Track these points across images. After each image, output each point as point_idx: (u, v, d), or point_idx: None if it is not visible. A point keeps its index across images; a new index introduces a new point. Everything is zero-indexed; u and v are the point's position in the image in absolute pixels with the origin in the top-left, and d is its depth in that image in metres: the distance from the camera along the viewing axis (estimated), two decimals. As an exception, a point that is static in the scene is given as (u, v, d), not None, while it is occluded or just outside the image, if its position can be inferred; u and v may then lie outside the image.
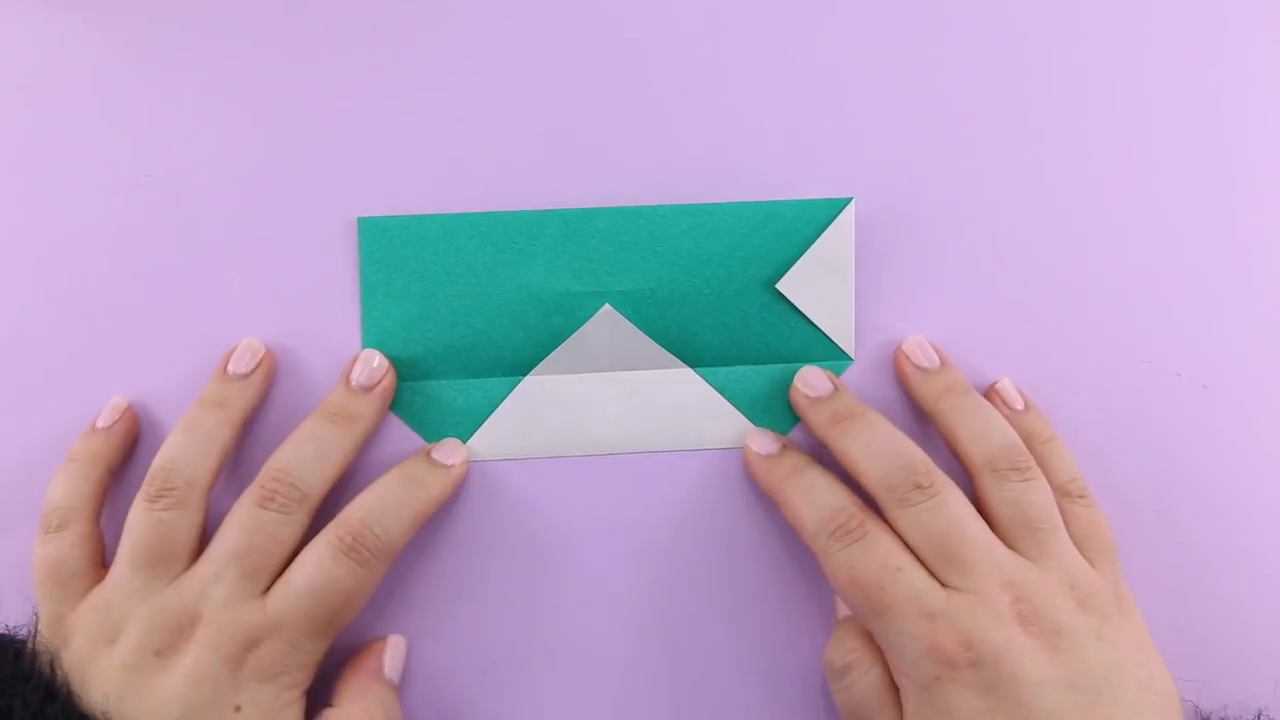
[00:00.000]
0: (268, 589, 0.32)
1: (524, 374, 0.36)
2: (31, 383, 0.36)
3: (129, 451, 0.36)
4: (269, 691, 0.32)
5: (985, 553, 0.31)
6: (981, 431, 0.34)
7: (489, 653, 0.36)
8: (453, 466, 0.35)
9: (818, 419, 0.35)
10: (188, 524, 0.33)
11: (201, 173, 0.36)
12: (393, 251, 0.36)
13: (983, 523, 0.32)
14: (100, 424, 0.35)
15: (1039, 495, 0.33)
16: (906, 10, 0.37)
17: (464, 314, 0.36)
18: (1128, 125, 0.37)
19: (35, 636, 0.32)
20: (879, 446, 0.33)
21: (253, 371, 0.35)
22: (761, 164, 0.37)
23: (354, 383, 0.35)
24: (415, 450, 0.36)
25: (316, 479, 0.34)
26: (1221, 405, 0.37)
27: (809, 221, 0.36)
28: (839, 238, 0.36)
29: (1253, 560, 0.37)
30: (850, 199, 0.36)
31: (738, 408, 0.36)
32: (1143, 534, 0.36)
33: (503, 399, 0.36)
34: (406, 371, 0.36)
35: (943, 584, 0.31)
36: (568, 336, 0.36)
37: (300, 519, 0.33)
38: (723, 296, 0.36)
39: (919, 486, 0.32)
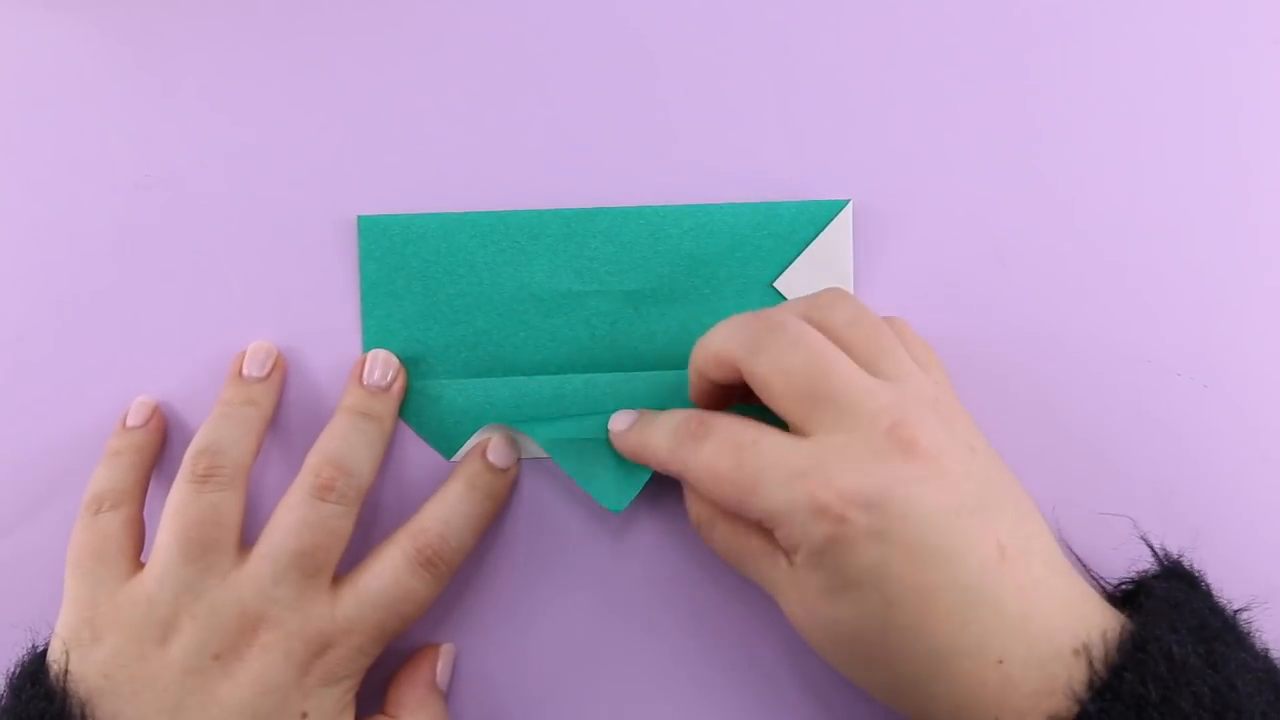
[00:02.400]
0: (330, 585, 0.32)
1: (525, 374, 0.36)
2: (30, 383, 0.36)
3: (162, 450, 0.35)
4: (333, 695, 0.31)
5: (854, 380, 0.29)
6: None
7: (486, 652, 0.36)
8: (509, 469, 0.35)
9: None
10: (237, 508, 0.32)
11: (201, 173, 0.36)
12: (393, 251, 0.36)
13: (841, 351, 0.30)
14: (132, 422, 0.35)
15: (870, 313, 0.31)
16: (905, 12, 0.37)
17: (465, 313, 0.36)
18: (1127, 126, 0.37)
19: (61, 651, 0.30)
20: (717, 335, 0.31)
21: (270, 373, 0.35)
22: (761, 165, 0.37)
23: (368, 383, 0.35)
24: (456, 456, 0.36)
25: (368, 470, 0.33)
26: (1221, 405, 0.37)
27: (807, 222, 0.36)
28: (836, 239, 0.36)
29: (1253, 560, 0.37)
30: (848, 200, 0.36)
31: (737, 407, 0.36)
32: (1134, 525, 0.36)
33: (503, 399, 0.36)
34: (407, 371, 0.36)
35: (811, 432, 0.29)
36: (569, 336, 0.36)
37: (356, 511, 0.32)
38: (722, 296, 0.36)
39: (771, 330, 0.30)
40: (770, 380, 0.30)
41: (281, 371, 0.35)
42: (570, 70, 0.37)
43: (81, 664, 0.30)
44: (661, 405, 0.36)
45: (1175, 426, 0.37)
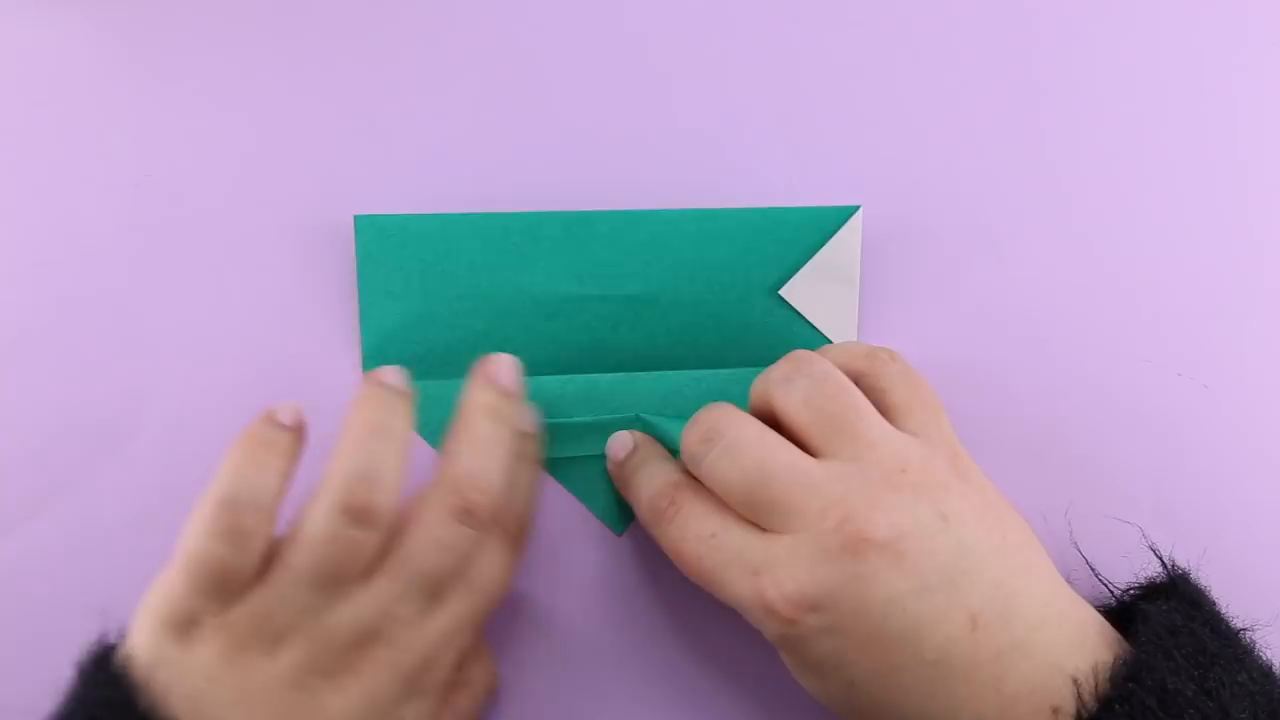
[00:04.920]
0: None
1: (525, 376, 0.36)
2: (29, 382, 0.36)
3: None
4: (430, 702, 0.31)
5: (795, 483, 0.29)
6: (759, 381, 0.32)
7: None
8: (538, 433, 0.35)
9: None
10: (378, 544, 0.30)
11: (201, 172, 0.36)
12: (390, 251, 0.36)
13: (785, 446, 0.30)
14: (285, 420, 0.31)
15: (832, 382, 0.30)
16: (915, 17, 0.37)
17: (463, 316, 0.36)
18: (1130, 131, 0.37)
19: (155, 647, 0.29)
20: (688, 431, 0.31)
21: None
22: (767, 170, 0.36)
23: (502, 382, 0.33)
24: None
25: (503, 490, 0.32)
26: (1221, 405, 0.37)
27: (815, 228, 0.36)
28: (845, 245, 0.36)
29: (1253, 560, 0.37)
30: (858, 207, 0.36)
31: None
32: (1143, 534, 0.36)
33: (503, 399, 0.36)
34: (406, 371, 0.36)
35: (766, 529, 0.29)
36: (569, 340, 0.36)
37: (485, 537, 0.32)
38: (725, 302, 0.36)
39: (706, 439, 0.30)
40: (716, 489, 0.30)
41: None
42: (571, 69, 0.36)
43: (184, 662, 0.29)
44: (662, 406, 0.36)
45: (1175, 427, 0.37)
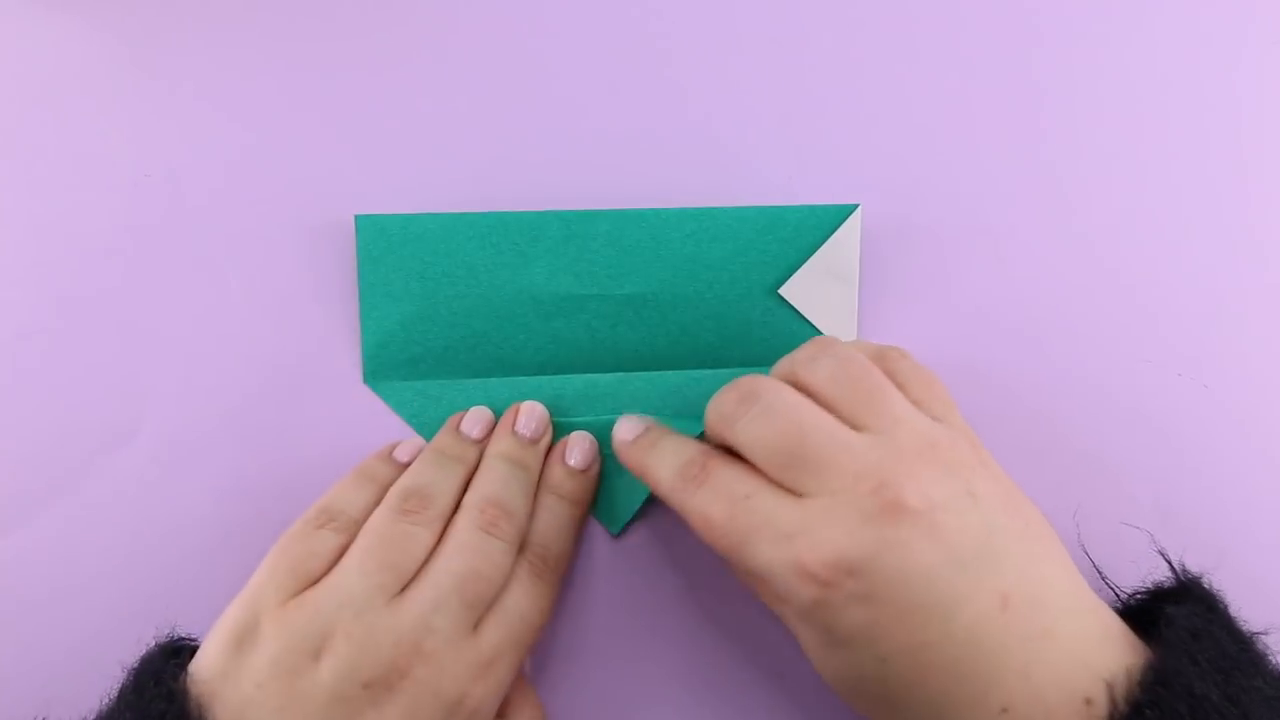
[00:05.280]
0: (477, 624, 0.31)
1: (525, 374, 0.36)
2: (27, 383, 0.36)
3: None
4: None
5: (831, 444, 0.29)
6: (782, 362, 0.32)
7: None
8: (589, 471, 0.36)
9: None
10: (426, 546, 0.32)
11: (201, 173, 0.36)
12: (391, 251, 0.36)
13: (822, 412, 0.30)
14: (401, 457, 0.35)
15: (857, 363, 0.30)
16: (915, 17, 0.37)
17: (464, 315, 0.36)
18: (1129, 131, 0.37)
19: (218, 653, 0.30)
20: (709, 405, 0.32)
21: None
22: (767, 169, 0.36)
23: (519, 431, 0.35)
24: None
25: (523, 515, 0.33)
26: (1222, 405, 0.37)
27: (814, 227, 0.36)
28: (844, 244, 0.36)
29: (1254, 560, 0.37)
30: (857, 205, 0.36)
31: None
32: (1143, 534, 0.36)
33: (504, 399, 0.36)
34: (406, 371, 0.36)
35: (800, 493, 0.29)
36: (569, 339, 0.36)
37: (515, 553, 0.33)
38: (725, 301, 0.36)
39: (743, 400, 0.30)
40: (750, 451, 0.30)
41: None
42: (572, 69, 0.36)
43: (238, 671, 0.29)
44: (662, 405, 0.36)
45: (1175, 427, 0.37)
